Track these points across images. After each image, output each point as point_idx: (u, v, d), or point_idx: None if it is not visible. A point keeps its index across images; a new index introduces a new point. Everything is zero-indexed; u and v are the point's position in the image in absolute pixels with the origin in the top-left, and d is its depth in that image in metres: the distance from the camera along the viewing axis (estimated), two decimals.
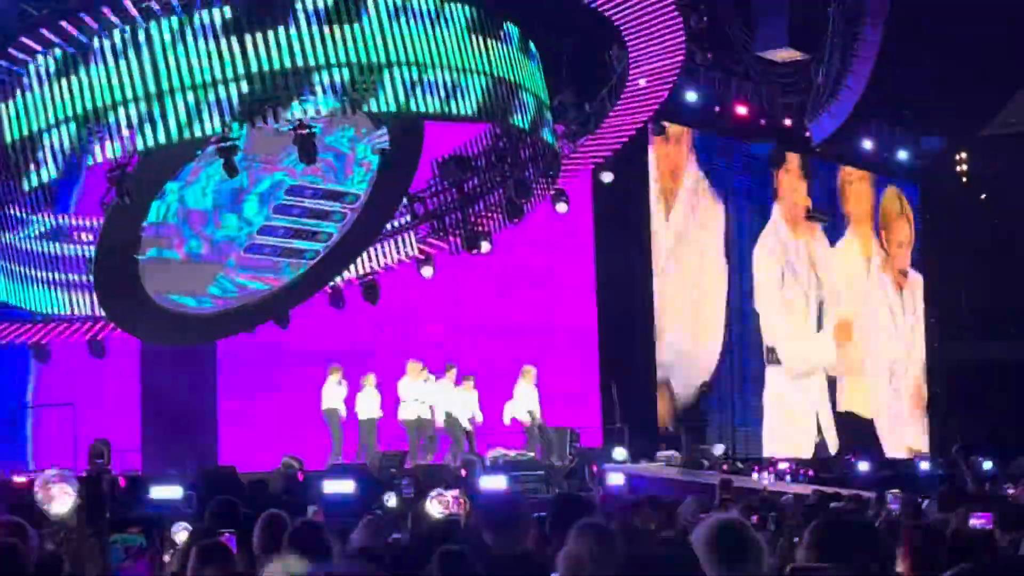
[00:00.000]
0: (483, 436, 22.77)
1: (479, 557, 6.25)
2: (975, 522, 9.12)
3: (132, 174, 17.14)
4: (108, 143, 16.22)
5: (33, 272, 19.71)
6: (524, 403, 22.93)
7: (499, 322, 25.37)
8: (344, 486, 17.33)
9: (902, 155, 32.83)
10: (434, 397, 22.52)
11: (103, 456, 19.33)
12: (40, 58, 16.34)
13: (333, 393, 22.34)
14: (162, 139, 16.24)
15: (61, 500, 4.97)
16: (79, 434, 20.64)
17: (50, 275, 19.83)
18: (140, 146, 16.31)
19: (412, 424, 22.36)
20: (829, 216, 31.40)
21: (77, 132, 16.23)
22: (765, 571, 5.21)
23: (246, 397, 23.26)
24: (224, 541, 6.81)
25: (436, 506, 8.97)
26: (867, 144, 31.81)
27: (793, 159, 30.54)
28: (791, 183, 30.66)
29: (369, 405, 22.38)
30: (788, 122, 29.62)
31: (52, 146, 16.30)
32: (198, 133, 16.37)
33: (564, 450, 22.97)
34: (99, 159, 16.35)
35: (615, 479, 20.48)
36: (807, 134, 29.78)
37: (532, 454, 22.56)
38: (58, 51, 16.32)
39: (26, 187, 16.57)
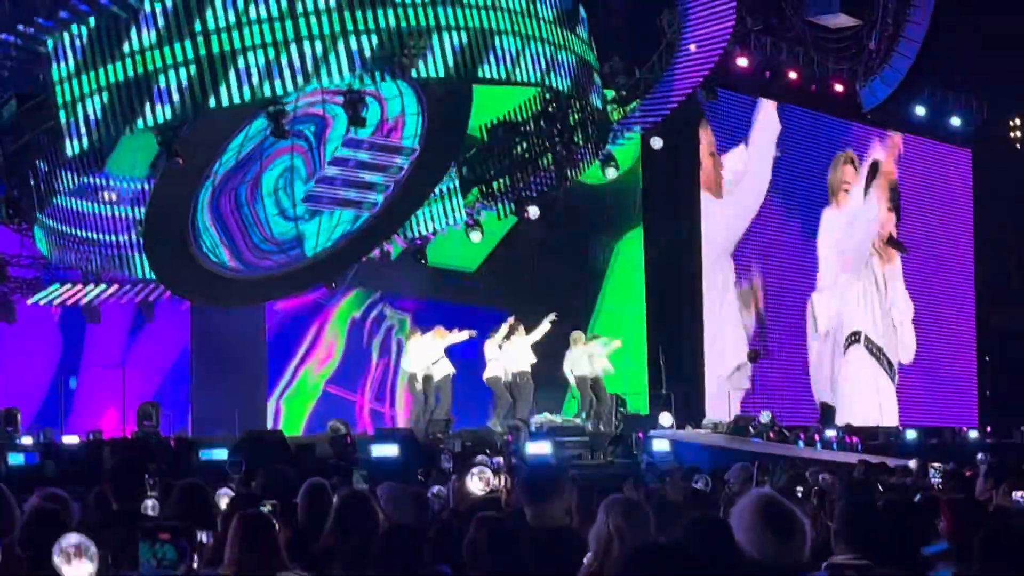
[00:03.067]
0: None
1: (520, 532, 6.25)
2: (1019, 496, 8.98)
3: (185, 138, 17.27)
4: (159, 106, 16.33)
5: (83, 234, 19.85)
6: (574, 367, 22.86)
7: (548, 286, 25.31)
8: (389, 450, 17.44)
9: (955, 121, 32.56)
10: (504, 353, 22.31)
11: (151, 418, 19.63)
12: (91, 20, 16.44)
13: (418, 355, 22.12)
14: (214, 102, 16.39)
15: (78, 570, 4.98)
16: (128, 396, 20.87)
17: (100, 237, 19.97)
18: (190, 109, 16.43)
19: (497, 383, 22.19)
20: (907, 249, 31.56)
21: (129, 95, 16.35)
22: (807, 548, 5.19)
23: (295, 359, 23.37)
24: (266, 511, 6.84)
25: (477, 483, 8.90)
26: (920, 110, 31.56)
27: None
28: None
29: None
30: (840, 88, 29.40)
31: (103, 109, 16.41)
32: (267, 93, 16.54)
33: (610, 416, 22.95)
34: (150, 122, 16.45)
35: (660, 446, 20.48)
36: (858, 101, 29.56)
37: (578, 420, 22.56)
38: (108, 15, 16.43)
39: (76, 150, 16.70)
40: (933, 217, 32.62)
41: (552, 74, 18.80)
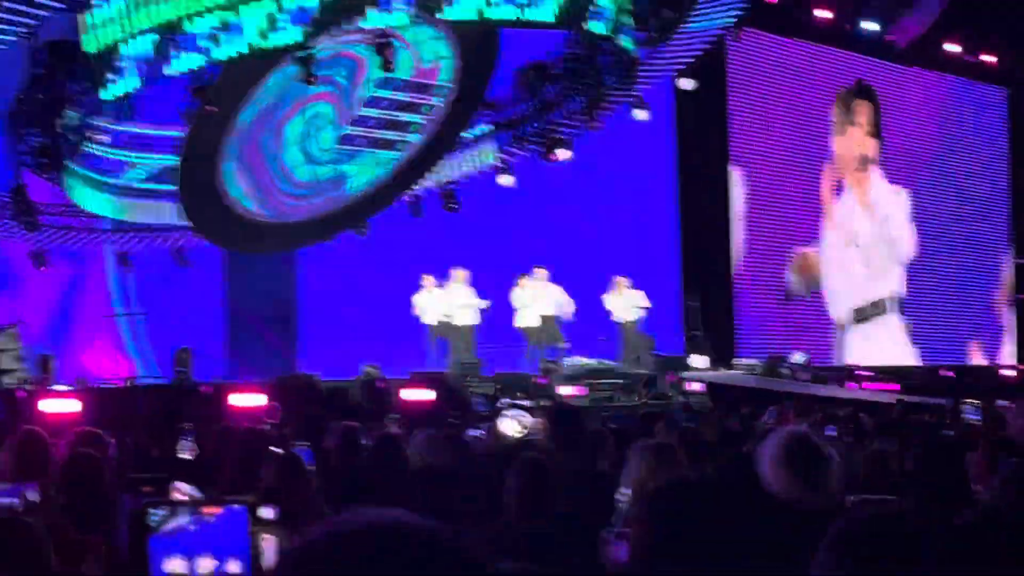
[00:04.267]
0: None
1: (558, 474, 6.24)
2: None
3: (215, 84, 17.27)
4: (186, 53, 16.32)
5: (117, 181, 19.91)
6: (614, 310, 22.97)
7: (580, 231, 25.29)
8: (422, 394, 17.48)
9: (987, 59, 32.22)
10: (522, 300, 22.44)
11: (185, 364, 19.73)
12: None
13: (428, 301, 22.25)
14: (243, 48, 16.35)
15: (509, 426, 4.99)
16: (163, 342, 20.95)
17: (134, 184, 20.03)
18: (220, 56, 16.41)
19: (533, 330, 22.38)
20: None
21: (155, 42, 16.33)
22: (836, 486, 5.15)
23: (327, 305, 23.42)
24: (299, 453, 6.88)
25: (514, 425, 8.89)
26: (951, 48, 31.24)
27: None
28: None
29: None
30: (873, 26, 29.15)
31: (131, 56, 16.41)
32: (278, 43, 16.45)
33: (645, 358, 22.96)
34: (177, 71, 16.44)
35: (694, 387, 20.49)
36: (891, 38, 29.30)
37: (611, 362, 22.58)
38: None
39: (107, 96, 16.72)
40: (965, 158, 32.36)
41: (587, 16, 18.72)
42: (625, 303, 23.01)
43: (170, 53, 16.34)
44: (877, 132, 30.43)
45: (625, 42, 20.35)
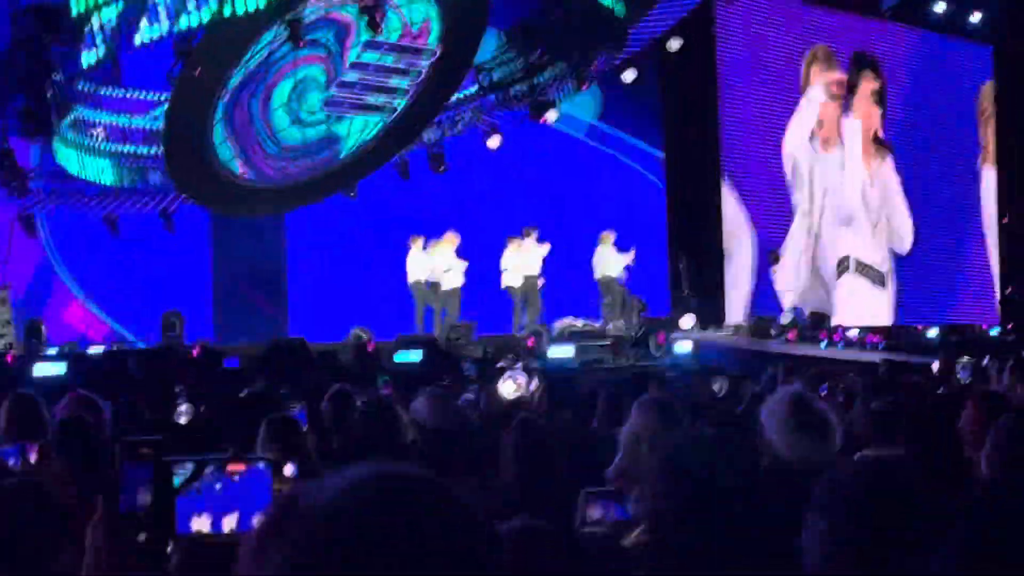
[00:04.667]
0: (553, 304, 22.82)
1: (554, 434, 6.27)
2: None
3: (200, 47, 17.21)
4: (173, 15, 16.28)
5: (103, 145, 19.86)
6: (603, 267, 22.95)
7: (566, 192, 25.29)
8: (412, 356, 17.51)
9: (975, 17, 32.18)
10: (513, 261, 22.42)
11: (175, 328, 19.72)
12: None
13: (416, 263, 22.20)
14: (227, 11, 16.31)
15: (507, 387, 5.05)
16: (150, 306, 20.92)
17: (121, 148, 19.98)
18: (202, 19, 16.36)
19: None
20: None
21: (120, 11, 16.28)
22: (836, 445, 5.19)
23: (316, 268, 23.40)
24: (293, 415, 6.90)
25: (511, 386, 8.92)
26: (939, 6, 31.19)
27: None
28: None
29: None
30: None
31: (120, 16, 16.37)
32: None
33: (632, 318, 23.00)
34: (164, 31, 16.39)
35: (682, 348, 20.53)
36: None
37: (599, 323, 22.62)
38: None
39: (87, 62, 16.67)
40: (948, 118, 32.34)
41: None
42: (611, 257, 22.95)
43: (156, 14, 16.29)
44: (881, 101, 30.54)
45: (610, 3, 20.35)
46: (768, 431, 5.09)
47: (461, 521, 1.82)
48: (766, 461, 4.88)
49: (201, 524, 2.96)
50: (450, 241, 22.04)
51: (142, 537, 2.85)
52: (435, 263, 21.97)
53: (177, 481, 2.94)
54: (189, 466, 2.97)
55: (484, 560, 1.82)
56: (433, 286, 21.97)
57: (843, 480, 3.15)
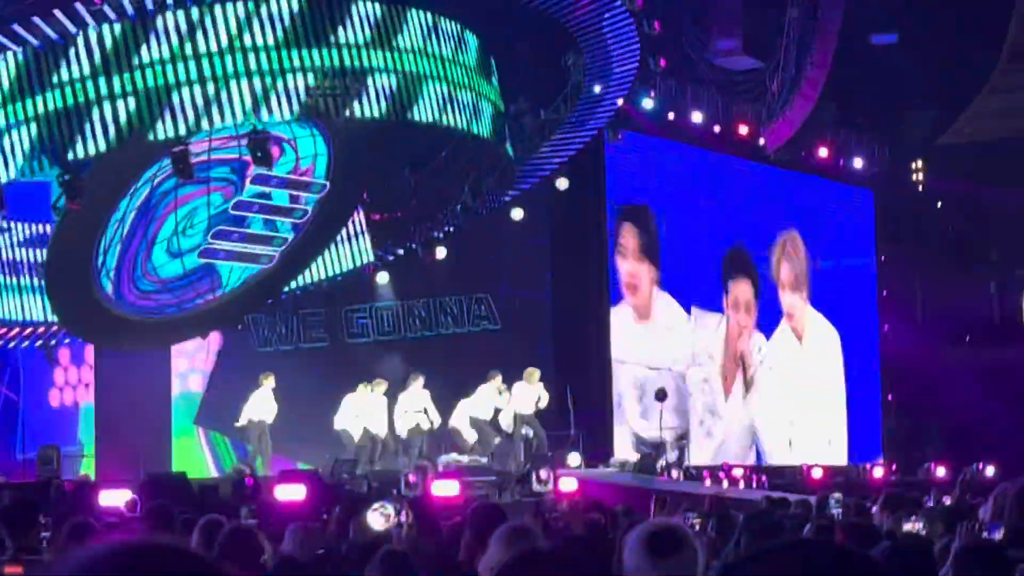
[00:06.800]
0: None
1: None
2: (908, 526, 9.31)
3: (84, 180, 17.16)
4: (91, 140, 16.29)
5: None
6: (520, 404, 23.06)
7: (453, 328, 25.37)
8: (295, 491, 17.36)
9: (857, 163, 32.95)
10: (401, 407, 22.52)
11: (52, 462, 19.40)
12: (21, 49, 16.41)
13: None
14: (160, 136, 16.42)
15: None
16: (27, 438, 20.62)
17: (4, 279, 19.82)
18: (93, 150, 16.37)
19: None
20: None
21: (59, 126, 16.29)
22: (698, 572, 5.20)
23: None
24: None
25: (378, 518, 8.93)
26: (822, 152, 31.91)
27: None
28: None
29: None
30: (744, 130, 29.68)
31: (31, 140, 16.35)
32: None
33: (519, 456, 23.02)
34: (80, 155, 16.38)
35: (568, 485, 20.53)
36: (761, 142, 29.86)
37: (484, 460, 22.60)
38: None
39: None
40: (839, 258, 32.99)
41: (475, 121, 19.10)
42: (529, 395, 23.07)
43: (71, 139, 16.26)
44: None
45: (505, 145, 20.67)
46: (626, 562, 5.11)
47: None
48: None
49: None
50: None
51: None
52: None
53: None
54: None
55: None
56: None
57: None
